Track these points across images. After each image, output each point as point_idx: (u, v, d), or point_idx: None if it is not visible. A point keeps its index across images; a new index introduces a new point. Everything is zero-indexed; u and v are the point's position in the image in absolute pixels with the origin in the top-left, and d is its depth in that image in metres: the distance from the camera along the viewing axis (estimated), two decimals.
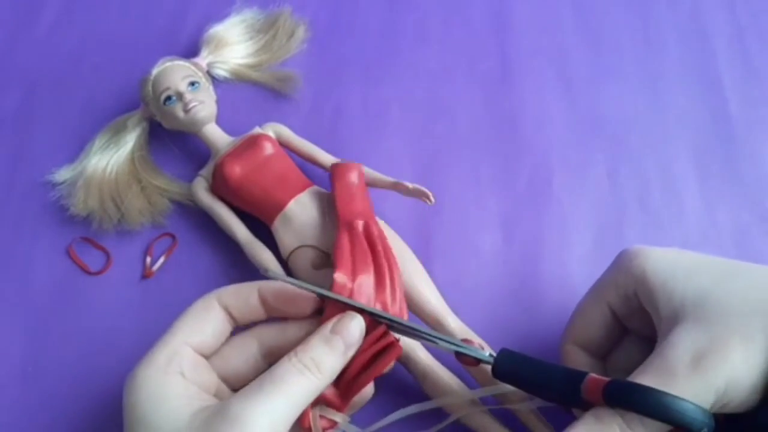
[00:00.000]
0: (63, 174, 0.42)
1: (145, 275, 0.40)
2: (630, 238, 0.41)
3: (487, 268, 0.40)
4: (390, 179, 0.39)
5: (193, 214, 0.41)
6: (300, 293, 0.30)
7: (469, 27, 0.49)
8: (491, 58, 0.48)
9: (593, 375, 0.27)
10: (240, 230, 0.39)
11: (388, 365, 0.30)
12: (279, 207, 0.38)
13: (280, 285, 0.30)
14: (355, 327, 0.28)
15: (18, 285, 0.40)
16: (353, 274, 0.33)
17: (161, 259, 0.40)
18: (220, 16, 0.47)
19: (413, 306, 0.36)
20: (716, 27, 0.48)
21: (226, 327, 0.30)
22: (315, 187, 0.39)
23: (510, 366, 0.30)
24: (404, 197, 0.39)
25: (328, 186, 0.39)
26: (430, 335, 0.30)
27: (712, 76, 0.46)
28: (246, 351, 0.30)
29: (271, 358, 0.30)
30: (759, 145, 0.44)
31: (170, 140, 0.44)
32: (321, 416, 0.30)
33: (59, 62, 0.48)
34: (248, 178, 0.38)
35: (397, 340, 0.30)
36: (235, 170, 0.38)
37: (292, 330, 0.30)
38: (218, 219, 0.39)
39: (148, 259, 0.40)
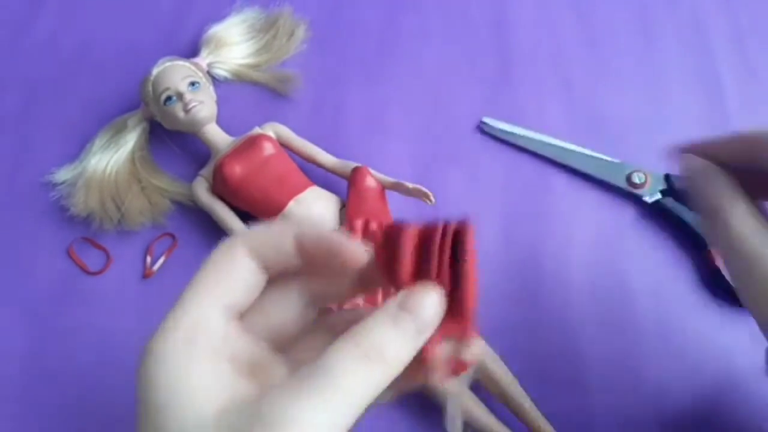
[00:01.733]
0: (63, 174, 0.42)
1: (145, 275, 0.40)
2: None
3: (487, 268, 0.40)
4: (390, 179, 0.39)
5: (193, 214, 0.41)
6: (348, 243, 0.23)
7: (469, 27, 0.49)
8: (491, 58, 0.48)
9: None
10: (240, 230, 0.39)
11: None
12: (279, 207, 0.38)
13: (322, 231, 0.23)
14: (430, 303, 0.21)
15: (18, 285, 0.40)
16: None
17: (161, 259, 0.40)
18: (220, 16, 0.47)
19: None
20: (716, 27, 0.48)
21: (258, 279, 0.23)
22: (315, 187, 0.39)
23: None
24: (404, 197, 0.39)
25: (328, 186, 0.39)
26: None
27: (711, 76, 0.46)
28: (287, 299, 0.24)
29: (321, 303, 0.24)
30: None
31: (170, 140, 0.44)
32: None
33: (60, 62, 0.48)
34: (248, 179, 0.38)
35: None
36: (236, 170, 0.38)
37: (281, 236, 0.23)
38: (218, 219, 0.39)
39: (148, 259, 0.40)
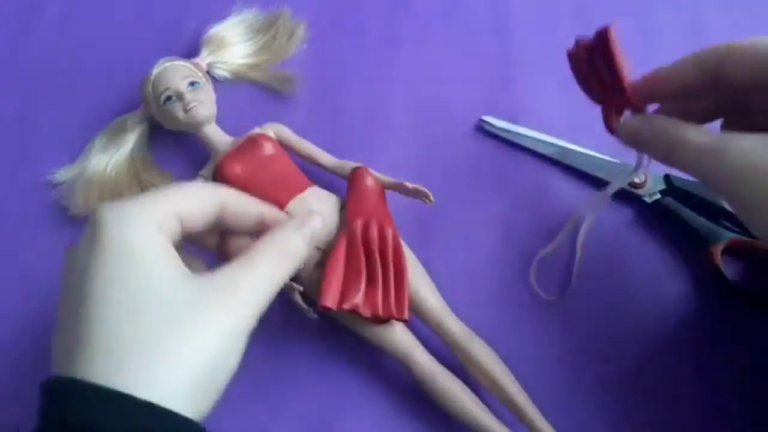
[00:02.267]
0: (63, 174, 0.42)
1: None
2: None
3: (487, 268, 0.40)
4: (390, 179, 0.39)
5: None
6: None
7: (469, 27, 0.49)
8: (491, 58, 0.48)
9: None
10: None
11: None
12: (279, 207, 0.37)
13: (281, 214, 0.31)
14: (318, 223, 0.30)
15: (18, 285, 0.40)
16: (343, 285, 0.34)
17: None
18: (220, 16, 0.47)
19: (413, 306, 0.36)
20: (716, 27, 0.48)
21: (210, 223, 0.29)
22: (315, 187, 0.39)
23: None
24: (404, 197, 0.39)
25: (329, 186, 0.39)
26: None
27: None
28: (207, 209, 0.29)
29: (221, 222, 0.29)
30: None
31: (170, 140, 0.44)
32: None
33: (60, 62, 0.48)
34: (248, 179, 0.38)
35: None
36: (235, 170, 0.38)
37: (250, 208, 0.30)
38: None
39: None
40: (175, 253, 0.26)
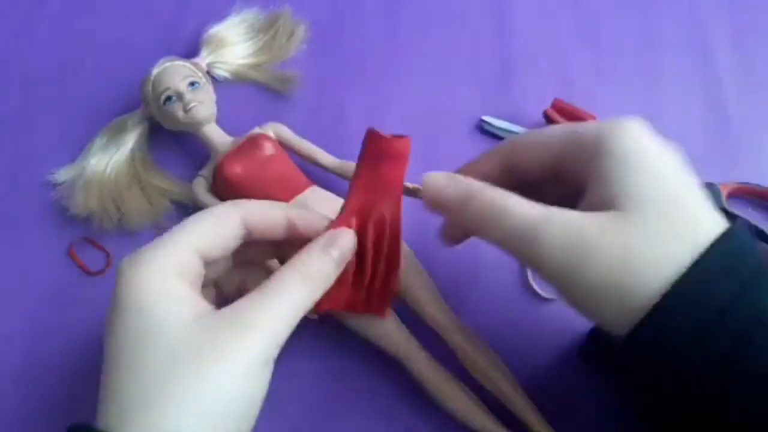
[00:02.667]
0: (63, 174, 0.42)
1: None
2: None
3: (487, 267, 0.40)
4: None
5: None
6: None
7: (469, 27, 0.49)
8: (491, 58, 0.48)
9: None
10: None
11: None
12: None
13: (312, 215, 0.31)
14: (348, 242, 0.30)
15: (18, 285, 0.40)
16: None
17: None
18: (220, 16, 0.47)
19: (413, 305, 0.36)
20: (716, 27, 0.48)
21: (238, 243, 0.29)
22: (315, 187, 0.39)
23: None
24: (404, 197, 0.39)
25: (329, 186, 0.39)
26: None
27: (711, 76, 0.46)
28: (231, 232, 0.29)
29: (250, 238, 0.30)
30: (758, 145, 0.44)
31: (170, 140, 0.44)
32: None
33: (59, 62, 0.48)
34: (248, 179, 0.38)
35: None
36: (236, 170, 0.38)
37: (276, 215, 0.30)
38: None
39: None
40: (189, 295, 0.26)
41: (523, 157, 0.30)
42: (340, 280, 0.30)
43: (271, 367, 0.26)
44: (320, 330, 0.38)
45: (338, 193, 0.39)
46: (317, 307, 0.29)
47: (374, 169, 0.31)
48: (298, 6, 0.49)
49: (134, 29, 0.49)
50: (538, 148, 0.30)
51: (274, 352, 0.26)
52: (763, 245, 0.27)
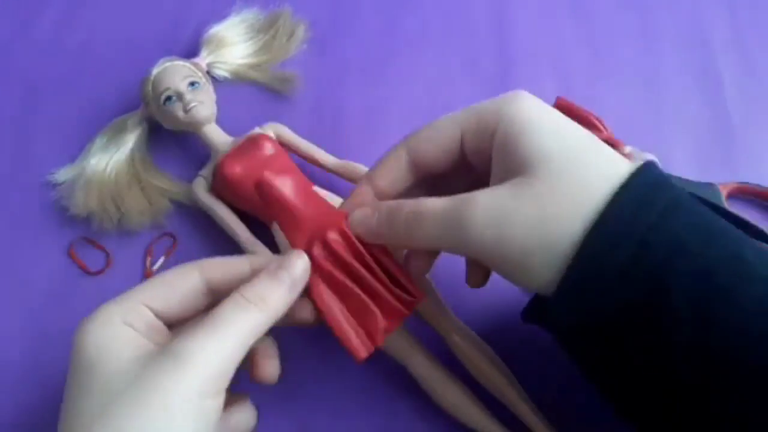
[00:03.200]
0: (63, 174, 0.42)
1: (146, 275, 0.40)
2: None
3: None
4: None
5: (193, 214, 0.41)
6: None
7: (469, 27, 0.49)
8: (491, 58, 0.48)
9: None
10: (240, 230, 0.39)
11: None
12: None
13: (276, 259, 0.29)
14: (300, 263, 0.29)
15: (18, 285, 0.40)
16: (358, 322, 0.31)
17: (161, 259, 0.40)
18: (220, 16, 0.47)
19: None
20: (716, 27, 0.48)
21: (199, 300, 0.29)
22: (315, 188, 0.39)
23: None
24: None
25: (329, 186, 0.39)
26: None
27: (711, 75, 0.46)
28: (189, 286, 0.29)
29: (213, 297, 0.29)
30: (758, 145, 0.44)
31: (170, 140, 0.44)
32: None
33: (59, 62, 0.48)
34: (248, 178, 0.38)
35: None
36: (236, 170, 0.38)
37: (237, 265, 0.29)
38: (218, 219, 0.39)
39: (148, 259, 0.40)
40: (132, 338, 0.26)
41: (427, 148, 0.30)
42: (361, 306, 0.30)
43: (215, 400, 0.25)
44: (320, 330, 0.38)
45: (338, 193, 0.39)
46: (372, 345, 0.30)
47: (283, 209, 0.33)
48: (298, 6, 0.49)
49: (134, 29, 0.49)
50: (441, 136, 0.30)
51: (216, 383, 0.25)
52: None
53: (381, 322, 0.30)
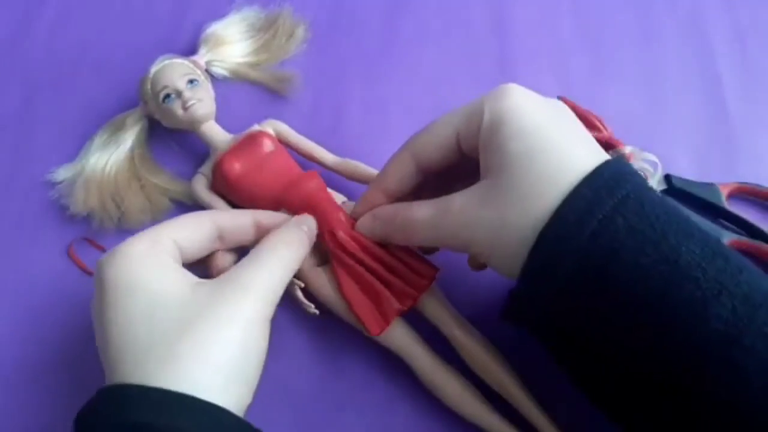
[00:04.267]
0: (62, 173, 0.42)
1: None
2: None
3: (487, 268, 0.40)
4: None
5: None
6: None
7: (469, 27, 0.49)
8: (491, 58, 0.48)
9: None
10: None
11: None
12: (279, 204, 0.37)
13: (276, 214, 0.35)
14: (310, 219, 0.35)
15: (17, 284, 0.40)
16: (374, 303, 0.35)
17: None
18: (219, 14, 0.47)
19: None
20: (716, 27, 0.48)
21: (212, 245, 0.32)
22: None
23: None
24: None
25: (329, 184, 0.39)
26: None
27: (711, 75, 0.46)
28: (204, 231, 0.32)
29: (220, 243, 0.33)
30: (759, 145, 0.44)
31: (169, 138, 0.44)
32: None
33: (58, 60, 0.48)
34: (248, 175, 0.38)
35: None
36: (235, 167, 0.38)
37: (242, 217, 0.33)
38: None
39: None
40: (178, 266, 0.29)
41: (428, 150, 0.32)
42: (373, 289, 0.34)
43: (269, 324, 0.28)
44: (320, 329, 0.38)
45: (338, 191, 0.39)
46: (384, 324, 0.34)
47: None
48: (298, 5, 0.49)
49: (133, 27, 0.49)
50: (439, 138, 0.31)
51: (272, 309, 0.29)
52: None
53: (393, 303, 0.34)
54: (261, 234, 0.33)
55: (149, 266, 0.28)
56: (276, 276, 0.29)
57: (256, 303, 0.28)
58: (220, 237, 0.32)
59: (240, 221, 0.33)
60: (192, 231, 0.31)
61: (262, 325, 0.28)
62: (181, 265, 0.30)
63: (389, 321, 0.34)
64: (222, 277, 0.28)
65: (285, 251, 0.31)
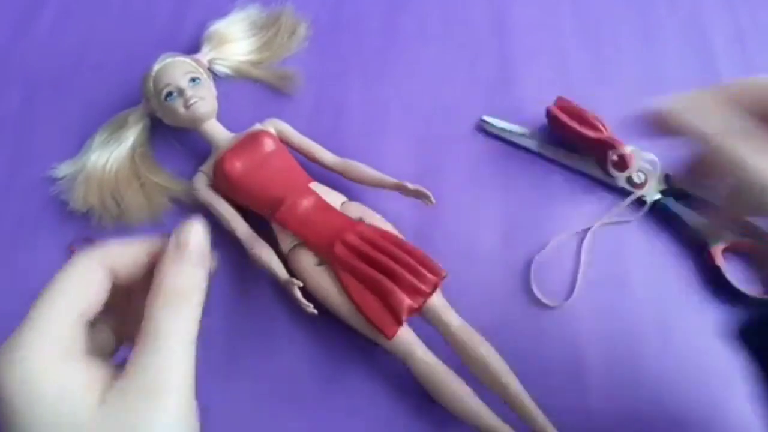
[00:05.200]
0: (63, 169, 0.42)
1: None
2: None
3: (487, 268, 0.40)
4: (391, 180, 0.39)
5: (192, 213, 0.41)
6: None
7: (469, 27, 0.49)
8: (491, 58, 0.48)
9: None
10: (240, 226, 0.39)
11: None
12: (279, 203, 0.38)
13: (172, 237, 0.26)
14: (193, 231, 0.25)
15: (18, 283, 0.40)
16: (384, 305, 0.35)
17: None
18: (222, 12, 0.47)
19: None
20: (716, 27, 0.48)
21: (106, 290, 0.25)
22: (315, 184, 0.39)
23: None
24: (405, 197, 0.39)
25: (328, 183, 0.39)
26: None
27: (711, 75, 0.46)
28: (95, 288, 0.25)
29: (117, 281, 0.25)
30: None
31: (171, 136, 0.44)
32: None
33: (60, 58, 0.48)
34: (249, 174, 0.38)
35: None
36: (236, 166, 0.38)
37: (135, 247, 0.25)
38: (218, 215, 0.39)
39: None
40: (85, 373, 0.22)
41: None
42: (384, 289, 0.34)
43: (194, 408, 0.23)
44: (320, 329, 0.38)
45: (338, 190, 0.39)
46: (398, 324, 0.34)
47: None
48: (299, 4, 0.49)
49: (136, 25, 0.49)
50: None
51: (192, 390, 0.23)
52: None
53: (405, 301, 0.34)
54: (155, 260, 0.25)
55: (51, 381, 0.22)
56: (183, 355, 0.22)
57: (175, 400, 0.22)
58: (117, 277, 0.25)
59: (133, 257, 0.25)
60: (89, 291, 0.24)
61: (187, 419, 0.22)
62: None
63: (401, 321, 0.34)
64: (127, 383, 0.22)
65: (177, 315, 0.23)
